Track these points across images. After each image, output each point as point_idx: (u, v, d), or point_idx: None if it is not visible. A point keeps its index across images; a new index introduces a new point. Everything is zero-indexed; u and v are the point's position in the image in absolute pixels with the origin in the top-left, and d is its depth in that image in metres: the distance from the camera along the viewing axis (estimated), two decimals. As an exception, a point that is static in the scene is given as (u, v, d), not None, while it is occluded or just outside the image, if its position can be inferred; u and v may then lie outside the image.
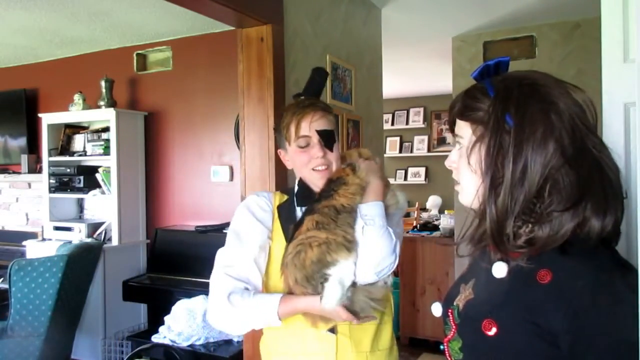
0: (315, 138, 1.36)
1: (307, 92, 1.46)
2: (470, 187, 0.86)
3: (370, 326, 1.35)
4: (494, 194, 0.79)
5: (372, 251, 1.26)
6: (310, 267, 1.21)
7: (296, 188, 1.45)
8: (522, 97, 0.80)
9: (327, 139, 1.37)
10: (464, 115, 0.86)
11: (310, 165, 1.37)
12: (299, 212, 1.40)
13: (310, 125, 1.36)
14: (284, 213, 1.40)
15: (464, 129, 0.87)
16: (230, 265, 1.32)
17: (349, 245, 1.23)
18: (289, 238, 1.31)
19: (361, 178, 1.29)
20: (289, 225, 1.36)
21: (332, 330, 1.32)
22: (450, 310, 0.91)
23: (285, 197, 1.45)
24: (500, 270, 0.82)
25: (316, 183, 1.38)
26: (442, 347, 0.92)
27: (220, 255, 1.36)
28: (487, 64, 0.85)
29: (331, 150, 1.37)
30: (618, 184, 0.78)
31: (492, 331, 0.79)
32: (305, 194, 1.40)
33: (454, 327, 0.89)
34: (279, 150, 1.47)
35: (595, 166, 0.77)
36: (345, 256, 1.23)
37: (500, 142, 0.79)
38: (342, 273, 1.23)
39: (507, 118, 0.79)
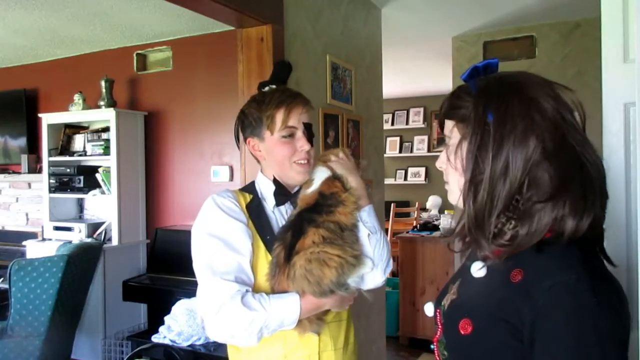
0: (301, 130, 1.32)
1: (274, 82, 1.41)
2: (455, 185, 0.87)
3: (342, 322, 1.39)
4: (474, 190, 0.80)
5: (380, 258, 1.31)
6: (327, 285, 1.21)
7: (264, 185, 1.38)
8: (503, 93, 0.80)
9: (310, 132, 1.35)
10: (450, 115, 0.88)
11: (294, 157, 1.32)
12: (270, 212, 1.36)
13: (299, 117, 1.32)
14: (254, 213, 1.33)
15: (451, 128, 0.88)
16: (225, 271, 1.21)
17: (357, 261, 1.26)
18: (287, 245, 1.24)
19: (355, 196, 1.30)
20: (263, 225, 1.32)
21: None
22: (438, 310, 0.94)
23: (249, 196, 1.37)
24: (477, 269, 0.84)
25: (295, 178, 1.34)
26: (432, 346, 0.94)
27: (207, 265, 1.23)
28: (475, 66, 0.86)
29: (312, 145, 1.34)
30: (598, 181, 0.78)
31: (468, 330, 0.80)
32: (283, 192, 1.36)
33: (440, 326, 0.92)
34: (249, 139, 1.37)
35: (575, 161, 0.77)
36: (355, 273, 1.26)
37: (482, 138, 0.79)
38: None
39: (488, 114, 0.80)
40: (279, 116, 1.30)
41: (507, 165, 0.77)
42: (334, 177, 1.31)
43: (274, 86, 1.38)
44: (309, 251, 1.21)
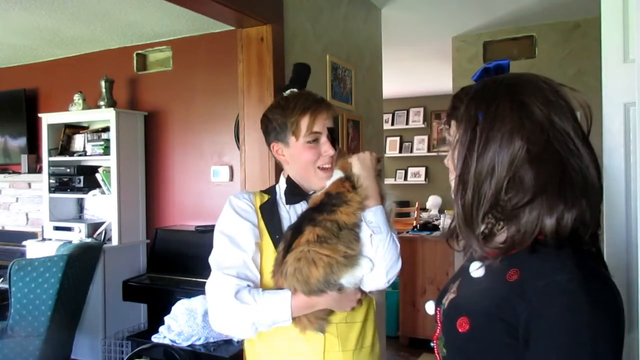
0: (325, 135, 1.34)
1: (294, 85, 1.42)
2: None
3: (355, 324, 1.36)
4: (462, 189, 0.82)
5: (382, 259, 1.27)
6: (315, 285, 1.21)
7: (282, 186, 1.41)
8: (494, 96, 0.82)
9: (333, 137, 1.37)
10: (451, 115, 0.90)
11: (318, 162, 1.34)
12: (284, 211, 1.38)
13: (324, 123, 1.34)
14: (267, 213, 1.37)
15: (452, 128, 0.90)
16: (228, 266, 1.28)
17: (349, 262, 1.23)
18: (287, 243, 1.27)
19: (361, 196, 1.29)
20: (274, 225, 1.35)
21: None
22: (438, 309, 0.95)
23: (266, 197, 1.41)
24: (475, 269, 0.85)
25: (318, 183, 1.35)
26: (432, 344, 0.96)
27: (215, 260, 1.32)
28: (486, 67, 0.89)
29: (336, 149, 1.36)
30: (583, 185, 0.78)
31: (466, 328, 0.82)
32: (295, 192, 1.38)
33: (439, 325, 0.93)
34: (273, 144, 1.40)
35: (557, 166, 0.78)
36: (348, 273, 1.24)
37: (471, 138, 0.82)
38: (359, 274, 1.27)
39: (479, 115, 0.82)
40: (304, 122, 1.32)
41: (493, 165, 0.79)
42: (346, 178, 1.31)
43: (295, 90, 1.39)
44: (299, 250, 1.23)
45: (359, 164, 1.33)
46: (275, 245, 1.32)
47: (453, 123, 0.90)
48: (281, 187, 1.43)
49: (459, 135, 0.85)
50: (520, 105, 0.80)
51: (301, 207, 1.39)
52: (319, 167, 1.35)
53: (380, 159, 1.40)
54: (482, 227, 0.81)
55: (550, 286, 0.73)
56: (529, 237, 0.78)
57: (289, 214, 1.38)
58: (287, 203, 1.39)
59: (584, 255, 0.78)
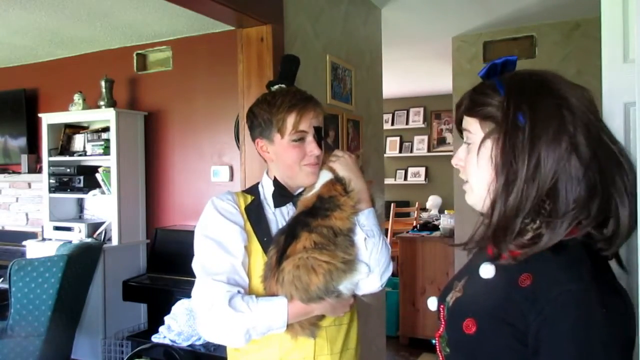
0: (311, 134, 1.31)
1: (283, 80, 1.38)
2: (480, 185, 0.85)
3: (342, 327, 1.35)
4: (507, 192, 0.79)
5: (377, 263, 1.27)
6: (315, 292, 1.20)
7: (267, 187, 1.39)
8: (534, 93, 0.79)
9: (320, 136, 1.33)
10: (473, 112, 0.85)
11: (303, 161, 1.31)
12: (270, 213, 1.36)
13: (310, 122, 1.30)
14: (253, 215, 1.33)
15: (472, 125, 0.86)
16: (217, 272, 1.23)
17: (348, 267, 1.23)
18: (280, 249, 1.24)
19: (354, 199, 1.27)
20: (262, 227, 1.32)
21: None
22: (442, 306, 0.93)
23: (250, 198, 1.37)
24: (486, 271, 0.83)
25: (305, 180, 1.33)
26: (433, 341, 0.94)
27: (201, 265, 1.26)
28: (494, 63, 0.85)
29: (322, 148, 1.33)
30: (631, 180, 0.77)
31: (472, 330, 0.80)
32: (282, 194, 1.36)
33: (443, 322, 0.91)
34: (257, 140, 1.36)
35: (612, 160, 0.76)
36: (347, 279, 1.23)
37: (514, 139, 0.78)
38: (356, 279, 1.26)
39: (519, 115, 0.78)
40: (290, 120, 1.28)
41: (538, 166, 0.76)
42: (336, 180, 1.29)
43: (283, 85, 1.36)
44: (298, 257, 1.20)
45: (343, 168, 1.31)
46: (264, 248, 1.29)
47: (473, 120, 0.85)
48: (265, 187, 1.39)
49: (489, 134, 0.82)
50: (562, 101, 0.78)
51: (287, 208, 1.36)
52: (304, 165, 1.32)
53: (359, 155, 1.38)
54: (517, 227, 0.79)
55: (564, 295, 0.71)
56: (558, 237, 0.76)
57: (275, 216, 1.36)
58: (275, 206, 1.35)
59: (601, 263, 0.77)
